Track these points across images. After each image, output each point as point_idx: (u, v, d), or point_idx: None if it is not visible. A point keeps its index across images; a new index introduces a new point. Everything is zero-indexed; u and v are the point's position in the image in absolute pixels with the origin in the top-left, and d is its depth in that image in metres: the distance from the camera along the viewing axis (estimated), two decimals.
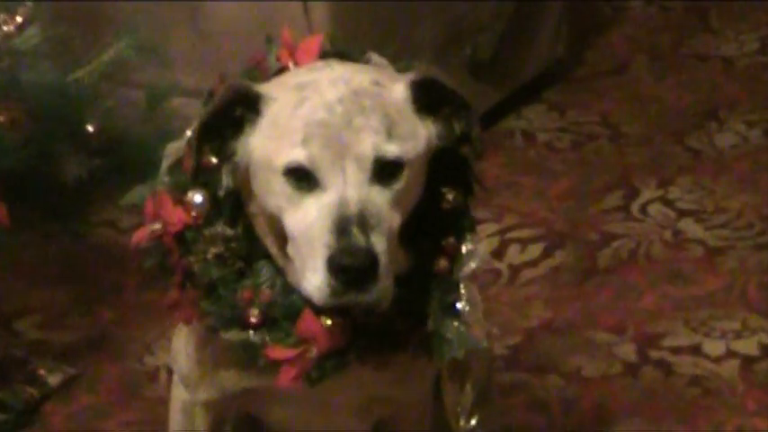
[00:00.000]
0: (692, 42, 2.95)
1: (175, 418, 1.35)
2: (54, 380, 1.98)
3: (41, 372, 1.99)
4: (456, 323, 1.16)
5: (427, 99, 1.13)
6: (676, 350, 1.99)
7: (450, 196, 1.16)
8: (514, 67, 2.55)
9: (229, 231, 1.15)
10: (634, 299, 2.14)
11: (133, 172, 1.60)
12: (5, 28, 1.75)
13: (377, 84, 1.12)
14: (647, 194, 2.42)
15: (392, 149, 1.08)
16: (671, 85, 2.82)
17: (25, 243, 2.06)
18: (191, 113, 1.25)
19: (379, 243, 1.05)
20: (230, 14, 2.20)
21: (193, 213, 1.16)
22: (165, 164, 1.23)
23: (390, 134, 1.08)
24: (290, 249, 1.10)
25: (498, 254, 2.26)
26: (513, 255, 2.27)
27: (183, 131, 1.21)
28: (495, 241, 2.27)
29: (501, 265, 2.24)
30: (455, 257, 1.17)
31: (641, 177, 2.48)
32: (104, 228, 2.28)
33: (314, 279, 1.06)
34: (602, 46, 2.94)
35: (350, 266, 1.03)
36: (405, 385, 1.24)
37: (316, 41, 1.21)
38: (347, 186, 1.07)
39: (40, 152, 1.78)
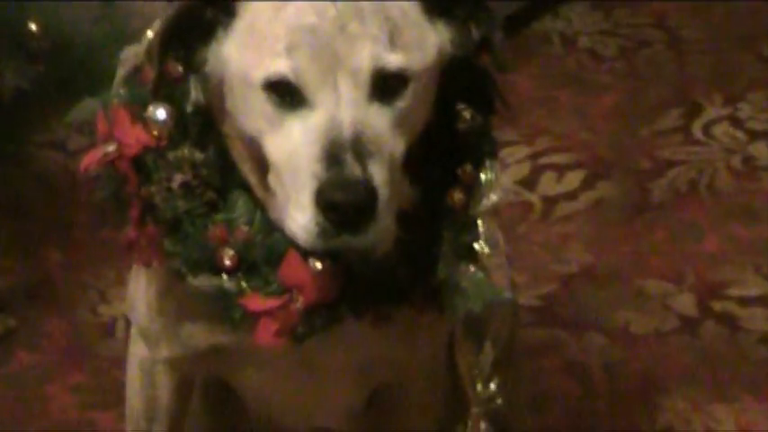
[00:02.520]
0: None
1: (133, 379, 1.31)
2: None
3: None
4: (473, 269, 1.10)
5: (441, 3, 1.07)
6: (744, 301, 1.94)
7: (466, 115, 1.12)
8: None
9: (198, 155, 1.10)
10: (694, 240, 2.06)
11: (83, 81, 1.69)
12: None
13: None
14: (711, 113, 2.36)
15: (395, 60, 1.03)
16: None
17: None
18: (152, 12, 1.25)
19: (378, 174, 0.99)
20: None
21: (155, 132, 1.10)
22: (120, 72, 1.16)
23: (393, 42, 1.03)
24: (272, 180, 1.04)
25: (529, 184, 2.19)
26: (548, 185, 2.20)
27: (144, 33, 1.13)
28: (524, 168, 2.22)
29: (532, 198, 2.17)
30: (472, 189, 1.11)
31: (704, 92, 2.41)
32: (49, 150, 2.23)
33: (300, 217, 1.00)
34: None
35: (343, 202, 0.98)
36: (410, 345, 1.17)
37: None
38: (340, 105, 1.02)
39: None
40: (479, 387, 1.37)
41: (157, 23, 1.08)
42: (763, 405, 1.77)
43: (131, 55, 1.15)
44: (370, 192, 0.98)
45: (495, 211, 1.13)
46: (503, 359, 1.38)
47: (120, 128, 1.11)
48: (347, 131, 1.00)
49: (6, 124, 1.94)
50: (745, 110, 2.36)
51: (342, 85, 1.01)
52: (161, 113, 1.09)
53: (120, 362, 1.44)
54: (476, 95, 1.12)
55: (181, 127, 1.10)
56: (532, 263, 1.99)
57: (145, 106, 1.09)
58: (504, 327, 1.38)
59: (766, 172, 2.21)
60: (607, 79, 2.50)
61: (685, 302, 1.94)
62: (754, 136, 2.30)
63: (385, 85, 1.02)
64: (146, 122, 1.09)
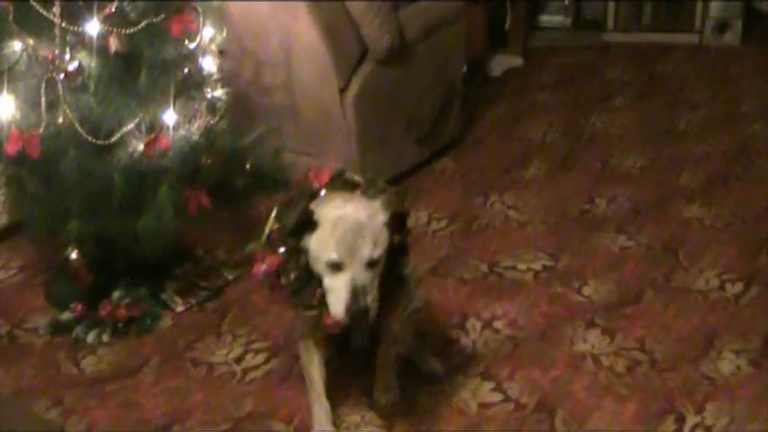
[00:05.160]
0: None
1: (302, 351, 2.94)
2: None
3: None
4: (406, 295, 2.78)
5: (391, 221, 2.57)
6: None
7: (396, 239, 2.66)
8: (436, 138, 4.94)
9: (300, 267, 2.65)
10: None
11: None
12: None
13: (369, 217, 2.53)
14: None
15: (375, 254, 2.51)
16: None
17: None
18: None
19: (370, 299, 2.51)
20: None
21: (280, 260, 2.68)
22: (264, 236, 2.77)
23: (375, 246, 2.51)
24: (326, 285, 2.57)
25: None
26: None
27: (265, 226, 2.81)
28: None
29: None
30: (403, 265, 2.73)
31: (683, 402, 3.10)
32: None
33: (338, 312, 2.54)
34: None
35: (356, 315, 2.50)
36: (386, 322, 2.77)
37: (327, 173, 2.74)
38: (355, 272, 2.50)
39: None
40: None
41: (272, 218, 2.77)
42: None
43: (268, 226, 2.79)
44: (365, 310, 2.51)
45: (408, 275, 2.77)
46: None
47: (268, 258, 2.71)
48: (359, 283, 2.49)
49: None
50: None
51: (356, 265, 2.50)
52: (281, 252, 2.69)
53: None
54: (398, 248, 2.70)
55: (292, 257, 2.65)
56: None
57: (275, 249, 2.71)
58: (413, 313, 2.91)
59: None
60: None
61: None
62: None
63: (372, 263, 2.52)
64: (277, 256, 2.70)
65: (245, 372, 3.34)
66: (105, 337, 3.55)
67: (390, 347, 2.87)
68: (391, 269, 2.62)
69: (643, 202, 4.46)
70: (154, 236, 3.42)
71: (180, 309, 3.72)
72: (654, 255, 3.99)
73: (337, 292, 2.48)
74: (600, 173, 4.79)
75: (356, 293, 2.44)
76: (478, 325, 3.54)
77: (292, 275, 2.61)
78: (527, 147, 5.16)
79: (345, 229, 2.48)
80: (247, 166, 3.68)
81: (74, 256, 3.50)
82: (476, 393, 3.16)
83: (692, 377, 3.19)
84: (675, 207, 4.39)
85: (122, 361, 3.44)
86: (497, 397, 3.14)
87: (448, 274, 3.89)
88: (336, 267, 2.48)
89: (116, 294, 3.64)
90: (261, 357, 3.41)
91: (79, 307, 3.61)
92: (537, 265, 3.93)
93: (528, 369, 3.27)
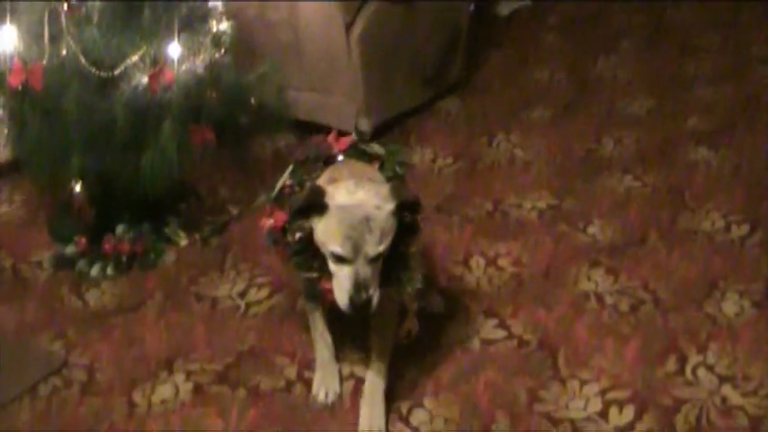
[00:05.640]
0: None
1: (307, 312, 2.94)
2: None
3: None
4: (409, 274, 2.61)
5: (400, 209, 2.47)
6: None
7: (407, 217, 2.55)
8: (441, 78, 4.88)
9: (306, 226, 2.52)
10: None
11: None
12: None
13: (377, 207, 2.41)
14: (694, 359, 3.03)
15: (380, 249, 2.43)
16: None
17: None
18: None
19: (372, 291, 2.42)
20: None
21: (287, 218, 2.60)
22: (276, 191, 2.74)
23: (381, 241, 2.42)
24: (332, 270, 2.50)
25: (603, 415, 2.82)
26: (616, 417, 2.85)
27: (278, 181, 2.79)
28: (597, 402, 2.88)
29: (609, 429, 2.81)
30: (409, 245, 2.59)
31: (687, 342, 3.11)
32: None
33: (341, 303, 2.45)
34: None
35: (359, 307, 2.42)
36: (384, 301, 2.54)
37: (346, 141, 2.77)
38: (359, 266, 2.41)
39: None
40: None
41: (286, 174, 2.78)
42: None
43: (278, 184, 2.77)
44: (368, 302, 2.42)
45: (414, 252, 2.62)
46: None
47: (276, 214, 2.67)
48: (362, 277, 2.41)
49: None
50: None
51: (360, 259, 2.41)
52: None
53: None
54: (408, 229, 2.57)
55: (297, 218, 2.52)
56: None
57: (283, 205, 2.65)
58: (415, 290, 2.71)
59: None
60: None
61: None
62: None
63: (374, 258, 2.42)
64: (285, 212, 2.61)
65: (248, 306, 3.35)
66: (109, 272, 3.55)
67: (387, 324, 2.81)
68: (396, 246, 2.52)
69: (649, 144, 4.43)
70: (157, 171, 3.41)
71: (183, 244, 3.72)
72: (659, 196, 3.97)
73: (341, 283, 2.42)
74: (606, 115, 4.76)
75: (359, 286, 2.39)
76: (482, 262, 3.54)
77: (297, 235, 2.55)
78: (533, 89, 5.12)
79: (353, 223, 2.39)
80: (252, 103, 3.64)
81: (77, 190, 3.48)
82: (479, 330, 3.16)
83: (695, 318, 3.19)
84: (682, 150, 4.36)
85: (125, 295, 3.45)
86: (500, 334, 3.15)
87: (453, 211, 3.89)
88: (341, 259, 2.42)
89: (119, 229, 3.63)
90: (264, 292, 3.41)
91: (82, 241, 3.61)
92: (542, 205, 3.92)
93: (531, 307, 3.27)
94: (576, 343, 3.08)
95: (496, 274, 3.47)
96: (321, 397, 2.85)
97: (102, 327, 3.27)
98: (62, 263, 3.61)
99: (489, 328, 3.17)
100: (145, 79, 3.30)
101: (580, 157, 4.35)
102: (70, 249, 3.63)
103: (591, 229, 3.74)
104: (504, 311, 3.25)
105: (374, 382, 2.76)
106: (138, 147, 3.40)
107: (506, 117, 4.75)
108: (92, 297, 3.44)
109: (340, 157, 2.69)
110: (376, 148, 2.75)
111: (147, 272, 3.57)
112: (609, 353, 3.03)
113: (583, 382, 2.91)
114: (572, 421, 2.77)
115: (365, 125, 4.43)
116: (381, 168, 2.69)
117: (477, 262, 3.54)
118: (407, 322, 3.05)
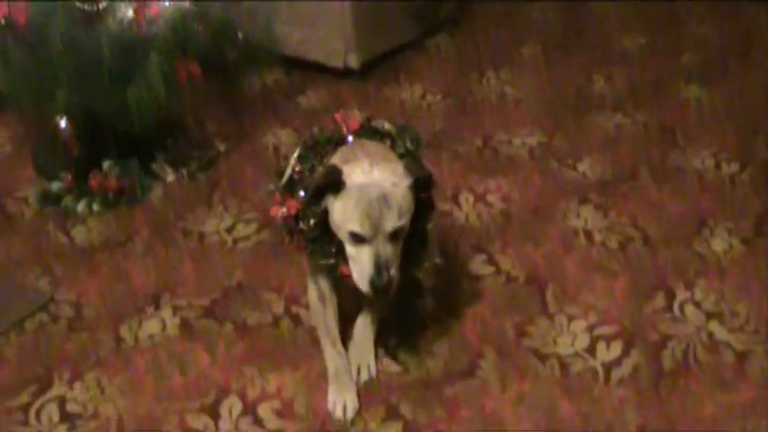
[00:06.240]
0: None
1: (311, 292, 2.77)
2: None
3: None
4: (426, 250, 2.58)
5: (416, 187, 2.42)
6: None
7: (423, 196, 2.50)
8: (432, 15, 4.87)
9: (318, 212, 2.47)
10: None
11: None
12: None
13: (394, 185, 2.37)
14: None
15: (400, 224, 2.37)
16: None
17: None
18: None
19: (393, 271, 2.36)
20: None
21: (299, 204, 2.53)
22: (285, 177, 2.63)
23: (400, 217, 2.36)
24: (349, 254, 2.45)
25: (591, 351, 2.82)
26: (602, 353, 2.82)
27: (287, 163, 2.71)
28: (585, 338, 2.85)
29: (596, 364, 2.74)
30: (426, 222, 2.53)
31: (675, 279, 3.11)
32: None
33: (362, 285, 2.40)
34: None
35: (380, 289, 2.36)
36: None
37: (356, 120, 2.65)
38: (378, 245, 2.35)
39: None
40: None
41: (293, 160, 2.67)
42: None
43: (287, 170, 2.67)
44: (390, 282, 2.36)
45: (430, 230, 2.57)
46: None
47: (288, 202, 2.58)
48: (382, 257, 2.35)
49: None
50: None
51: (380, 237, 2.36)
52: (301, 196, 2.52)
53: None
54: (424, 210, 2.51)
55: (310, 206, 2.48)
56: None
57: (293, 193, 2.58)
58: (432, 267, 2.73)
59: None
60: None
61: None
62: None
63: (395, 234, 2.37)
64: (297, 200, 2.55)
65: (235, 242, 3.33)
66: (95, 208, 3.53)
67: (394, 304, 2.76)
68: (414, 224, 2.46)
69: (641, 81, 4.40)
70: (143, 106, 3.38)
71: (170, 179, 3.70)
72: (650, 134, 3.96)
73: (361, 265, 2.36)
74: (598, 53, 4.73)
75: (380, 267, 2.32)
76: (471, 199, 3.52)
77: (312, 222, 2.48)
78: (525, 26, 5.08)
79: (371, 200, 2.33)
80: (239, 37, 3.60)
81: (62, 126, 3.44)
82: (467, 266, 3.15)
83: (683, 254, 3.19)
84: (674, 88, 4.34)
85: (112, 231, 3.43)
86: (489, 270, 3.14)
87: (442, 147, 3.86)
88: (360, 239, 2.35)
89: (106, 165, 3.60)
90: (252, 228, 3.40)
91: (69, 177, 3.58)
92: (532, 141, 3.90)
93: (520, 243, 3.26)
94: (565, 279, 3.07)
95: (485, 210, 3.46)
96: (339, 413, 2.58)
97: (89, 263, 3.25)
98: (48, 199, 3.58)
99: (478, 264, 3.16)
100: (130, 12, 3.26)
101: (571, 94, 4.32)
102: (56, 185, 3.60)
103: (581, 166, 3.72)
104: (493, 247, 3.24)
105: (365, 324, 2.74)
106: (124, 81, 3.36)
107: (497, 54, 4.71)
108: (78, 233, 3.42)
109: (350, 138, 2.60)
110: (386, 125, 2.67)
111: (133, 208, 3.55)
112: (597, 289, 3.02)
113: (571, 318, 2.90)
114: (559, 357, 2.76)
115: (354, 61, 4.42)
116: (393, 146, 2.60)
117: (467, 198, 3.53)
118: (423, 299, 3.00)
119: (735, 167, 3.67)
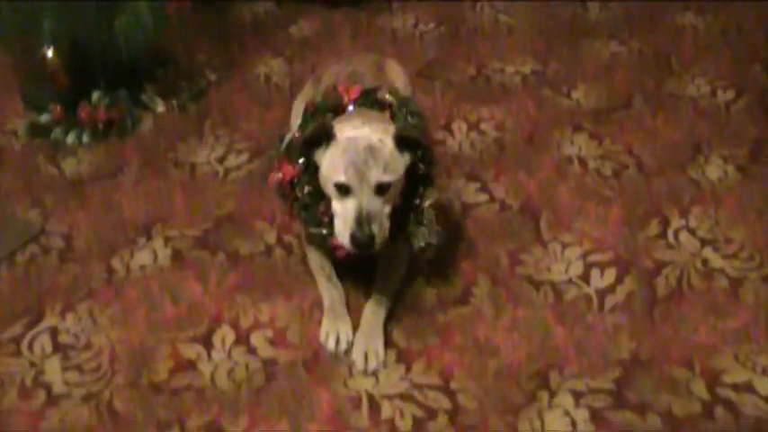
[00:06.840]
0: None
1: (312, 254, 2.78)
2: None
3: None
4: (423, 228, 2.51)
5: (403, 144, 2.41)
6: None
7: (422, 167, 2.49)
8: None
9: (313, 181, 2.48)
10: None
11: None
12: None
13: (380, 141, 2.37)
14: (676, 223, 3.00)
15: (386, 178, 2.36)
16: None
17: None
18: None
19: (375, 228, 2.34)
20: None
21: (297, 170, 2.52)
22: (283, 144, 2.65)
23: (386, 170, 2.35)
24: (334, 209, 2.43)
25: (585, 279, 2.79)
26: (596, 280, 2.79)
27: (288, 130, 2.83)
28: (579, 265, 2.84)
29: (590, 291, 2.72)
30: (423, 197, 2.50)
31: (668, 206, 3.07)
32: None
33: (343, 239, 2.38)
34: None
35: (361, 244, 2.34)
36: (393, 251, 2.58)
37: (357, 89, 2.62)
38: (363, 197, 2.35)
39: None
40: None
41: (292, 132, 2.71)
42: None
43: (287, 138, 2.71)
44: (371, 238, 2.34)
45: (429, 206, 2.52)
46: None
47: (284, 167, 2.57)
48: (365, 210, 2.34)
49: None
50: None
51: (364, 188, 2.35)
52: (299, 164, 2.51)
53: None
54: (419, 177, 2.49)
55: (307, 171, 2.50)
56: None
57: (292, 160, 2.53)
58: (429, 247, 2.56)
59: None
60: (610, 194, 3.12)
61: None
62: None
63: (381, 188, 2.36)
64: (294, 166, 2.53)
65: (226, 172, 3.30)
66: (85, 139, 3.49)
67: (394, 269, 2.70)
68: (409, 199, 2.46)
69: (636, 8, 4.35)
70: (131, 35, 3.34)
71: (161, 110, 3.66)
72: (645, 61, 3.91)
73: (344, 218, 2.36)
74: None
75: (362, 220, 2.31)
76: (465, 127, 3.49)
77: (306, 189, 2.49)
78: None
79: (357, 151, 2.34)
80: None
81: (49, 56, 3.39)
82: (461, 194, 3.12)
83: (678, 182, 3.17)
84: (669, 14, 4.28)
85: (103, 162, 3.39)
86: (483, 197, 3.12)
87: (435, 76, 3.82)
88: (345, 191, 2.35)
89: (95, 96, 3.55)
90: (243, 158, 3.37)
91: (57, 109, 3.54)
92: (526, 69, 3.85)
93: (514, 171, 3.24)
94: (559, 207, 3.05)
95: (479, 138, 3.43)
96: (331, 344, 2.55)
97: (79, 194, 3.22)
98: (37, 131, 3.54)
99: (471, 192, 3.14)
100: None
101: (565, 21, 4.26)
102: (45, 117, 3.56)
103: (575, 94, 3.68)
104: (487, 175, 3.21)
105: (373, 311, 2.60)
106: (111, 10, 3.30)
107: None
108: (68, 165, 3.38)
109: (350, 108, 2.57)
110: (387, 96, 2.63)
111: (123, 139, 3.51)
112: (591, 216, 3.01)
113: (564, 246, 2.89)
114: (553, 284, 2.75)
115: None
116: (393, 118, 2.57)
117: (460, 126, 3.49)
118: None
119: (730, 94, 3.63)
